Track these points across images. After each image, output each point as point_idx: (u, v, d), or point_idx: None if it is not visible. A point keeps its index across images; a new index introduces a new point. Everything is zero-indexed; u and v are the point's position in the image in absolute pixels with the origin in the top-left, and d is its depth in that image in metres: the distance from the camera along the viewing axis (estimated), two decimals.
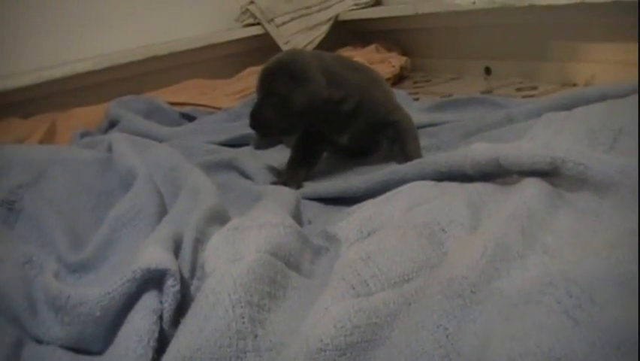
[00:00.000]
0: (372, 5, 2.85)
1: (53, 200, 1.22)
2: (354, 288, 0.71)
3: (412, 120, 1.43)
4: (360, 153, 1.49)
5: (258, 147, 1.70)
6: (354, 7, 2.85)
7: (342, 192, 1.18)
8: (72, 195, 1.25)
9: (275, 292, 0.75)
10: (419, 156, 1.28)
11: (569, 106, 1.22)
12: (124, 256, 0.99)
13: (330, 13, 2.82)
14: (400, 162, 1.25)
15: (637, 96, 1.10)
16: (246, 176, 1.43)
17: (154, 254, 0.76)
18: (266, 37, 2.75)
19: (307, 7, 2.79)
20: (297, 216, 1.01)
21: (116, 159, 1.35)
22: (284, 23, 2.73)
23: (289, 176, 1.37)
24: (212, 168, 1.47)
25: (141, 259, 0.76)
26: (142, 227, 1.04)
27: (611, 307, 0.61)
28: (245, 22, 2.83)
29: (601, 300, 0.62)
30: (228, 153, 1.61)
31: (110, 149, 1.45)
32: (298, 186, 1.32)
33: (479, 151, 0.99)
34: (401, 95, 1.90)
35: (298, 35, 2.73)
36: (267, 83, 1.31)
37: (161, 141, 1.69)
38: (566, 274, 0.66)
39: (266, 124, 1.33)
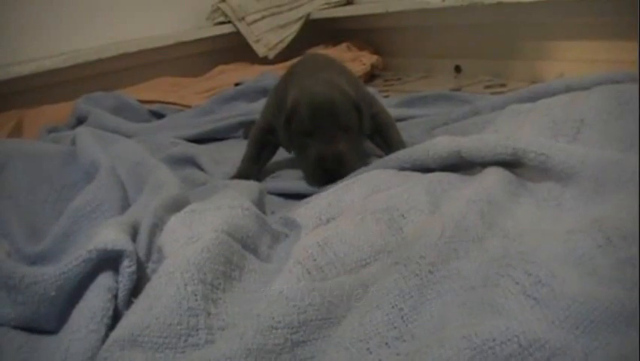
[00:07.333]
0: (344, 4, 2.86)
1: (13, 193, 1.20)
2: (309, 273, 0.70)
3: (389, 112, 1.42)
4: None
5: (247, 136, 1.67)
6: (326, 6, 2.85)
7: (306, 189, 1.18)
8: (32, 188, 1.23)
9: (230, 273, 0.74)
10: (403, 146, 1.26)
11: (533, 99, 1.22)
12: (83, 248, 0.97)
13: (302, 11, 2.82)
14: (386, 153, 1.22)
15: (603, 89, 1.11)
16: (205, 172, 1.41)
17: (110, 235, 0.75)
18: (237, 35, 2.74)
19: (278, 6, 2.79)
20: (260, 206, 1.00)
21: (80, 152, 1.33)
22: (255, 21, 2.72)
23: (243, 172, 1.34)
24: (177, 162, 1.45)
25: (97, 240, 0.75)
26: (103, 219, 1.02)
27: (570, 286, 0.61)
28: (216, 21, 2.82)
29: (561, 276, 0.62)
30: (192, 148, 1.59)
31: (74, 142, 1.43)
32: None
33: (441, 145, 0.99)
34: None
35: (269, 34, 2.73)
36: (340, 118, 1.18)
37: (128, 137, 1.67)
38: (524, 256, 0.66)
39: (352, 164, 1.16)
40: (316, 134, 1.17)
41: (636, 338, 0.54)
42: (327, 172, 1.15)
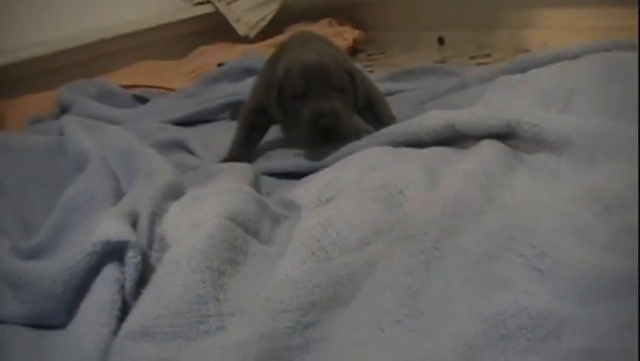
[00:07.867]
0: None
1: (3, 189, 1.19)
2: (314, 254, 0.71)
3: (378, 88, 1.41)
4: None
5: (234, 117, 1.67)
6: None
7: (298, 167, 1.17)
8: (22, 183, 1.22)
9: (235, 258, 0.74)
10: (394, 121, 1.25)
11: (523, 69, 1.22)
12: (79, 239, 0.96)
13: None
14: (376, 129, 1.21)
15: (592, 58, 1.11)
16: (195, 155, 1.40)
17: (113, 226, 0.74)
18: (217, 15, 2.71)
19: None
20: (257, 188, 1.00)
21: (68, 143, 1.32)
22: (234, 0, 2.69)
23: (234, 154, 1.33)
24: (167, 147, 1.44)
25: (100, 232, 0.74)
26: (97, 210, 1.00)
27: (573, 256, 0.62)
28: (195, 1, 2.79)
29: (563, 246, 0.63)
30: (180, 132, 1.59)
31: (61, 133, 1.42)
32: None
33: (434, 119, 0.99)
34: None
35: (249, 12, 2.70)
36: (333, 78, 1.16)
37: (114, 124, 1.65)
38: (525, 228, 0.67)
39: (347, 124, 1.16)
40: (310, 96, 1.16)
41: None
42: (322, 130, 1.13)
